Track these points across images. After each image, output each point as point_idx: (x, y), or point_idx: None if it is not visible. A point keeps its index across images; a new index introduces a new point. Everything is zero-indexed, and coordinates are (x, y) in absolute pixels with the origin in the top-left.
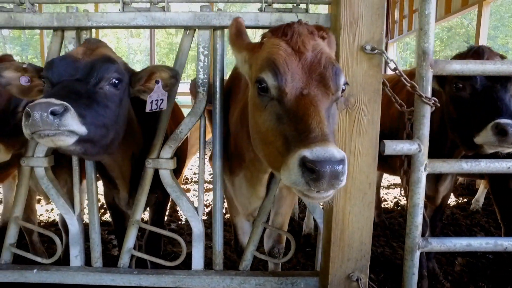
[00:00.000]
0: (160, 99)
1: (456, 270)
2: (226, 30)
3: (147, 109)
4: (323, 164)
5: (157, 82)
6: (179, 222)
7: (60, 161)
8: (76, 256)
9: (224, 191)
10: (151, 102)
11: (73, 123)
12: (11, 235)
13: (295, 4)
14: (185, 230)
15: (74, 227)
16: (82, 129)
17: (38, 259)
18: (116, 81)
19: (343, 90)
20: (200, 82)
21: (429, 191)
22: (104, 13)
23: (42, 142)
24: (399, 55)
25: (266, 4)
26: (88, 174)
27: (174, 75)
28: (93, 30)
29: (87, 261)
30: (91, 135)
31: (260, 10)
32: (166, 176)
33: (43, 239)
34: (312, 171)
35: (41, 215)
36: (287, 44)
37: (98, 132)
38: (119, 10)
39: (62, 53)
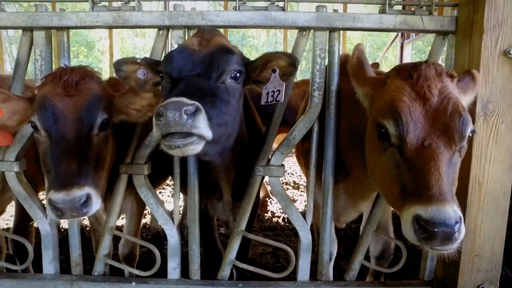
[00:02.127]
0: (277, 90)
1: None
2: (342, 32)
3: (263, 102)
4: (436, 225)
5: (273, 71)
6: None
7: None
8: (174, 268)
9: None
10: (267, 94)
11: (203, 126)
12: (106, 246)
13: (417, 6)
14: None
15: (173, 238)
16: (209, 134)
17: (136, 272)
18: (237, 74)
19: (469, 137)
20: (316, 85)
21: None
22: (220, 11)
23: (171, 153)
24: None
25: (389, 5)
26: (191, 181)
27: (293, 63)
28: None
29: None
30: (214, 137)
31: (380, 11)
32: (277, 184)
33: None
34: (425, 230)
35: None
36: (411, 88)
37: (220, 131)
38: (233, 8)
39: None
